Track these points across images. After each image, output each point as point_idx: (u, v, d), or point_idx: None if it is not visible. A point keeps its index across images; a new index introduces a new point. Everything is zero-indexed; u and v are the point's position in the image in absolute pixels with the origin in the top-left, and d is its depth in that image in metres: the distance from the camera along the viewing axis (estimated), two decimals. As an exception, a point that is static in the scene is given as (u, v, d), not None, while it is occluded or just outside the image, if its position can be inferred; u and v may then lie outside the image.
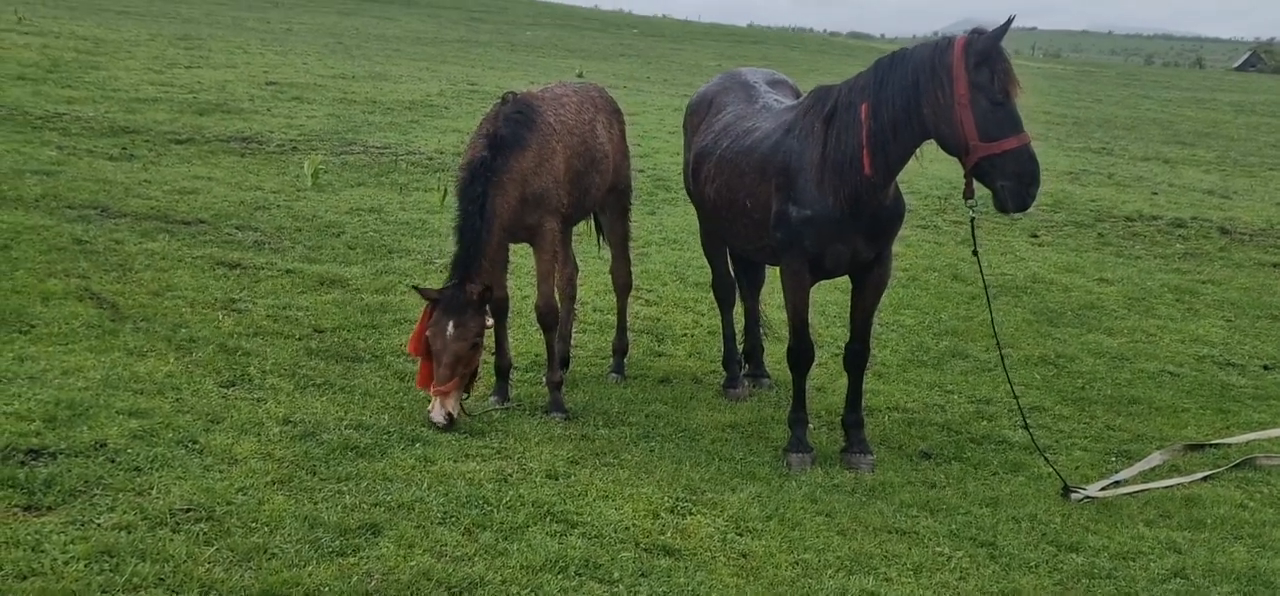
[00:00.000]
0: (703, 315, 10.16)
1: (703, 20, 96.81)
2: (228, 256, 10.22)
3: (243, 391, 7.32)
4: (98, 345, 7.75)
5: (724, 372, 8.74)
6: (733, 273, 8.82)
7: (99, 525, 5.36)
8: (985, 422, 8.42)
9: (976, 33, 6.71)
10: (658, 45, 55.21)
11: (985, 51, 6.58)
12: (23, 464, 5.84)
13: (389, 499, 6.04)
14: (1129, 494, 7.32)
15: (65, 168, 12.50)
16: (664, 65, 40.80)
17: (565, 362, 8.62)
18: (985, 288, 7.75)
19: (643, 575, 5.60)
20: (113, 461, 6.00)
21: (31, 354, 7.43)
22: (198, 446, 6.34)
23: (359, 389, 7.65)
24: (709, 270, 8.97)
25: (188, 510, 5.60)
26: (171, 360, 7.65)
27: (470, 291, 7.11)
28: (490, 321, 7.36)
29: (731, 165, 7.62)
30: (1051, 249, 13.95)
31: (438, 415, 7.04)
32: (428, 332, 7.16)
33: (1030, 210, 6.90)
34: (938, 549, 6.29)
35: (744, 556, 5.93)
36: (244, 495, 5.84)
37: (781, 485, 6.96)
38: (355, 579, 5.21)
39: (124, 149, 14.06)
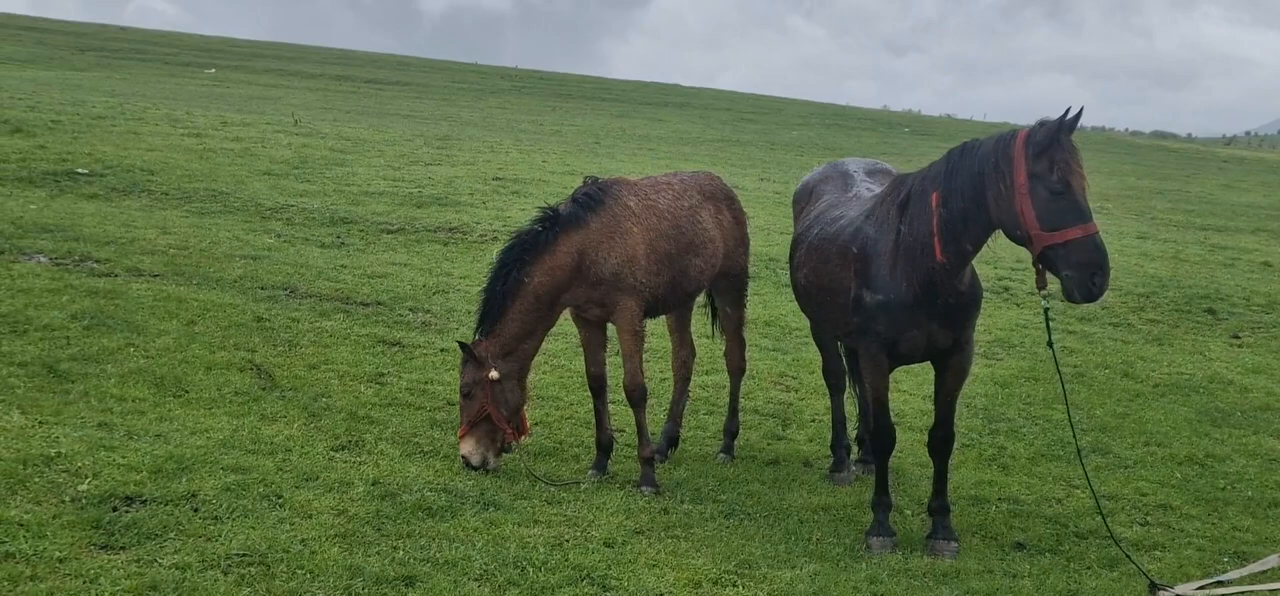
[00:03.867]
0: (837, 402, 10.20)
1: (987, 119, 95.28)
2: (392, 335, 10.90)
3: (349, 455, 7.85)
4: (237, 409, 8.45)
5: (831, 457, 8.80)
6: (844, 358, 8.89)
7: (159, 564, 5.91)
8: (1097, 519, 8.14)
9: (1040, 124, 6.70)
10: (923, 144, 54.58)
11: (1044, 142, 6.59)
12: (115, 509, 6.47)
13: (438, 555, 6.40)
14: (1225, 595, 7.01)
15: (273, 253, 13.55)
16: (919, 162, 40.38)
17: (674, 442, 8.86)
18: (1059, 374, 7.54)
19: (649, 638, 5.78)
20: (196, 510, 6.57)
21: (175, 415, 8.17)
22: (282, 501, 6.86)
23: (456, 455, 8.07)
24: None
25: (243, 556, 6.10)
26: (297, 425, 8.26)
27: (474, 347, 7.80)
28: (493, 374, 7.74)
29: (819, 251, 7.77)
30: (1250, 351, 13.28)
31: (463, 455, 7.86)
32: None
33: (1101, 300, 6.79)
34: (985, 635, 6.21)
35: (767, 628, 6.03)
36: (302, 545, 6.30)
37: (848, 566, 6.98)
38: (363, 622, 5.60)
39: (337, 237, 15.11)
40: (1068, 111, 6.61)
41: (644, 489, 7.91)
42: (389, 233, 15.74)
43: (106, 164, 17.92)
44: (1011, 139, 6.73)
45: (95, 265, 11.97)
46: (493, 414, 7.80)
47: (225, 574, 5.90)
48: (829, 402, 9.59)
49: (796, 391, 10.57)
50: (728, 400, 9.18)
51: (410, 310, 11.90)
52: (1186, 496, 8.68)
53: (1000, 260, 13.27)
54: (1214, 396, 11.18)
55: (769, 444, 9.25)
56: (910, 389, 10.65)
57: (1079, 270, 6.55)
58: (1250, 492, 8.80)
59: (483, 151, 26.69)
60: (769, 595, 6.44)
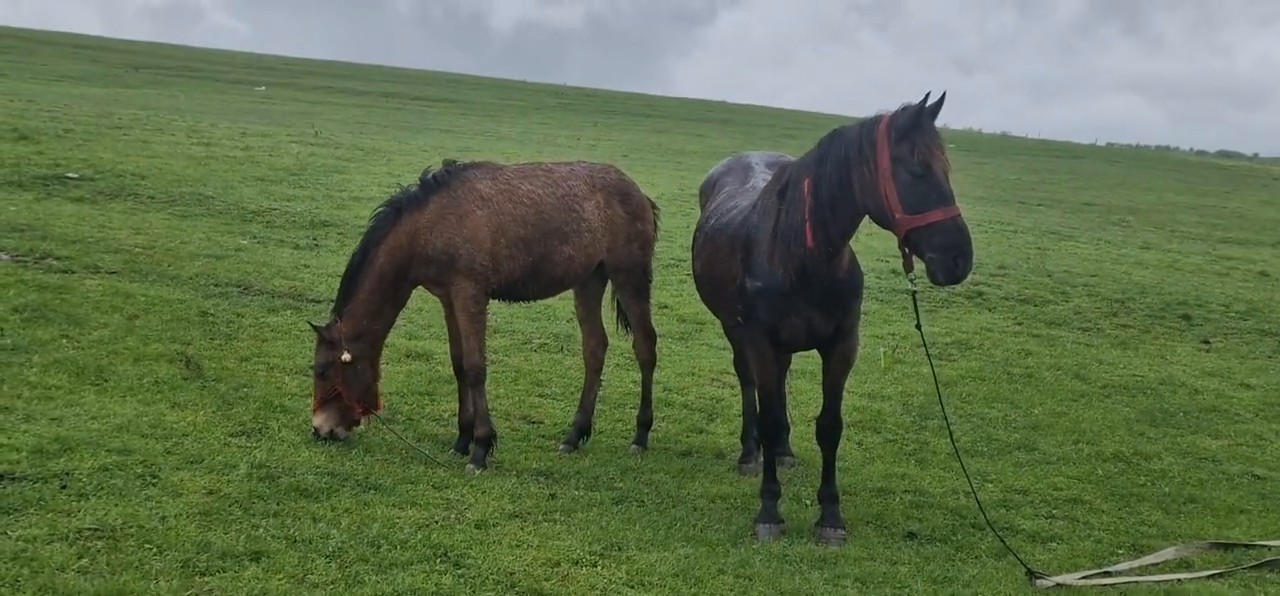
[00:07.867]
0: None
1: (1041, 136, 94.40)
2: (335, 331, 10.96)
3: (246, 440, 7.88)
4: (150, 397, 8.52)
5: (742, 448, 8.76)
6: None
7: (6, 536, 5.97)
8: (1003, 511, 8.06)
9: (903, 108, 6.67)
10: (962, 159, 54.35)
11: (906, 126, 6.58)
12: (-17, 485, 6.56)
13: (297, 533, 6.42)
14: (1109, 584, 6.90)
15: (240, 253, 13.68)
16: (969, 183, 40.07)
17: (585, 432, 8.84)
18: (930, 360, 7.49)
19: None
20: (64, 487, 6.63)
21: (84, 402, 8.25)
22: (156, 481, 6.91)
23: (364, 443, 8.11)
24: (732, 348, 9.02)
25: (95, 530, 6.14)
26: (206, 412, 8.31)
27: (328, 330, 8.06)
28: (345, 356, 7.95)
29: (712, 241, 7.77)
30: (1216, 356, 13.05)
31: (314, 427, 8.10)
32: None
33: (964, 283, 6.78)
34: (841, 618, 6.18)
35: (615, 606, 6.02)
36: (160, 522, 6.33)
37: (725, 551, 6.92)
38: (191, 593, 5.62)
39: (313, 239, 15.24)
40: (928, 96, 6.59)
41: (470, 467, 7.95)
42: (368, 235, 15.83)
43: (99, 169, 18.18)
44: (875, 123, 6.72)
45: (54, 262, 12.14)
46: (344, 394, 8.04)
47: (70, 546, 5.95)
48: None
49: (732, 388, 10.50)
50: (679, 397, 9.19)
51: (362, 307, 11.96)
52: (1101, 492, 8.56)
53: (980, 265, 13.16)
54: (1161, 398, 11.01)
55: (688, 436, 9.21)
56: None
57: (942, 253, 6.52)
58: (1168, 489, 8.67)
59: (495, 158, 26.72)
60: (628, 574, 6.41)
